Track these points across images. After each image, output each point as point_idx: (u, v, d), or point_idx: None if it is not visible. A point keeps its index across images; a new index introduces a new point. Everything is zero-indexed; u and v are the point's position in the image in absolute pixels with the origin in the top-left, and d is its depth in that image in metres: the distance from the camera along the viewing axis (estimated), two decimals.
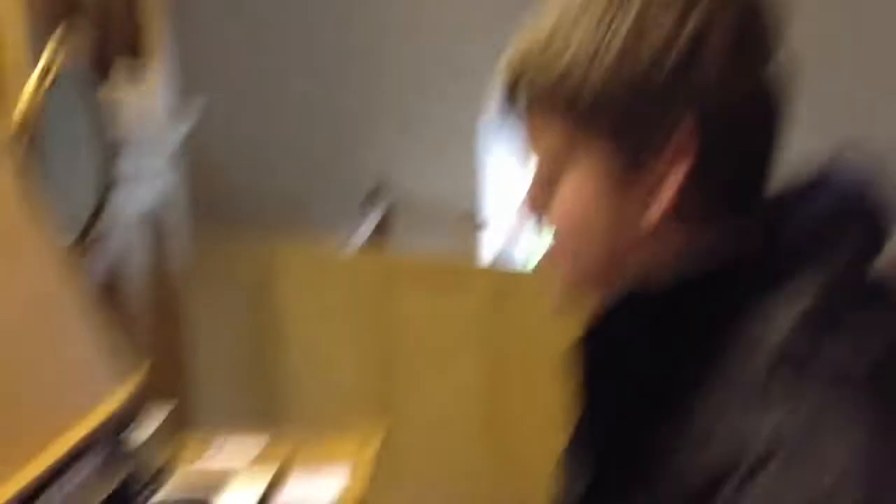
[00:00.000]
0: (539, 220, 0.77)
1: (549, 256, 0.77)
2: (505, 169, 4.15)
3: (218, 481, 1.27)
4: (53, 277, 1.17)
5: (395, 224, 3.87)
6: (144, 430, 1.22)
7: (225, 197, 3.71)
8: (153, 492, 1.25)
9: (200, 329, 2.24)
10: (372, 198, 3.93)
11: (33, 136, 1.38)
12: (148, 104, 1.99)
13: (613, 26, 0.69)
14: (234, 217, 3.38)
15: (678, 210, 0.70)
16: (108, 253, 1.71)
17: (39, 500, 0.98)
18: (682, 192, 0.69)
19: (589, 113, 0.70)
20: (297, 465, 1.48)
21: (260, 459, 1.33)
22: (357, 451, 1.60)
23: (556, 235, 0.76)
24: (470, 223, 3.78)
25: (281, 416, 2.73)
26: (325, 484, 1.43)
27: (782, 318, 0.66)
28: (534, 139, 0.75)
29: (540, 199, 0.76)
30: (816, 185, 0.73)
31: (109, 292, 1.63)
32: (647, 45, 0.68)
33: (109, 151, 1.59)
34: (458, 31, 3.56)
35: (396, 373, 2.79)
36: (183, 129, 2.23)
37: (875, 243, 0.70)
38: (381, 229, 3.89)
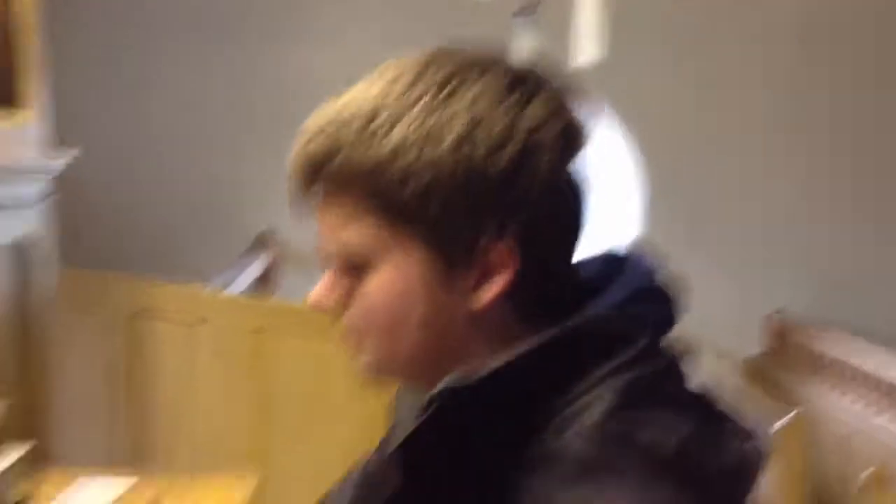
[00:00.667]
0: (334, 313, 0.70)
1: (348, 342, 0.70)
2: None
3: None
4: None
5: (279, 273, 3.81)
6: (3, 464, 1.14)
7: (97, 241, 3.59)
8: None
9: (65, 364, 2.12)
10: (255, 247, 3.85)
11: None
12: (22, 138, 1.92)
13: (448, 111, 0.63)
14: (105, 264, 3.26)
15: (489, 315, 0.66)
16: None
17: None
18: (495, 301, 0.65)
19: (408, 208, 0.64)
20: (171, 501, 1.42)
21: (124, 500, 1.26)
22: (226, 497, 1.54)
23: (353, 327, 0.69)
24: None
25: (148, 458, 2.59)
26: None
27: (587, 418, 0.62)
28: (334, 227, 0.67)
29: (337, 293, 0.69)
30: (612, 277, 0.70)
31: None
32: (485, 135, 0.63)
33: None
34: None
35: (270, 422, 2.71)
36: (56, 165, 2.16)
37: (668, 321, 0.69)
38: (265, 279, 3.80)
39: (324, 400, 2.69)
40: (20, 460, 1.17)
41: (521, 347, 0.64)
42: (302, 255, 3.66)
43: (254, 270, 3.60)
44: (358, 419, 2.65)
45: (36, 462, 1.24)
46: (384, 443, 0.88)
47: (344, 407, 2.68)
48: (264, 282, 3.75)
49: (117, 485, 1.33)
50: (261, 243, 3.82)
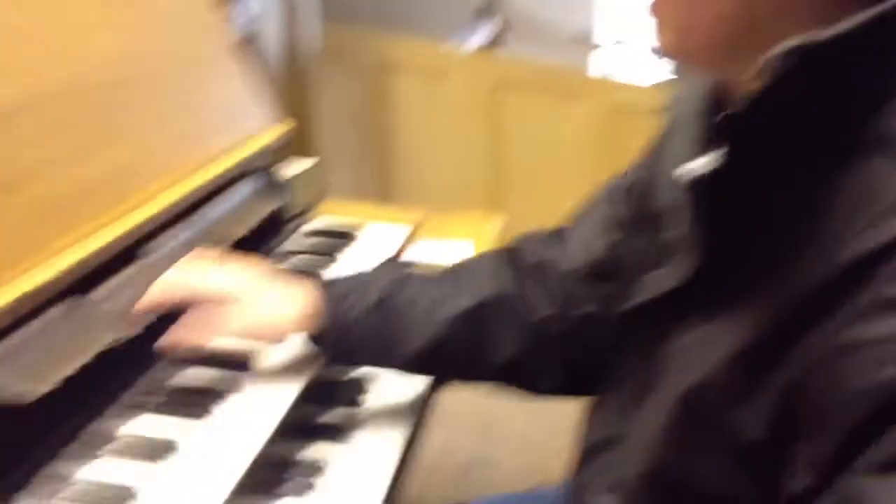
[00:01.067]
0: None
1: (653, 16, 0.68)
2: None
3: (360, 223, 1.33)
4: (206, 16, 1.20)
5: (505, 41, 3.79)
6: (294, 170, 1.27)
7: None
8: (305, 220, 1.32)
9: (321, 106, 2.28)
10: (483, 12, 3.84)
11: None
12: None
13: None
14: (356, 12, 3.36)
15: None
16: (244, 13, 1.73)
17: (202, 209, 1.06)
18: None
19: None
20: (422, 232, 1.55)
21: (392, 220, 1.38)
22: (478, 230, 1.64)
23: None
24: (582, 43, 3.67)
25: (382, 201, 2.81)
26: (452, 249, 1.49)
27: None
28: None
29: None
30: None
31: (241, 51, 1.65)
32: None
33: None
34: None
35: (507, 174, 2.81)
36: None
37: None
38: (493, 44, 3.82)
39: (557, 156, 2.74)
40: (306, 171, 1.29)
41: (869, 12, 0.60)
42: (526, 21, 3.60)
43: (483, 34, 3.61)
44: (588, 176, 2.69)
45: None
46: (655, 157, 0.88)
47: (576, 163, 2.73)
48: (492, 45, 3.77)
49: (383, 210, 1.44)
50: (488, 9, 3.80)
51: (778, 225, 0.67)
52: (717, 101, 0.75)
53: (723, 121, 0.65)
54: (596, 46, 3.77)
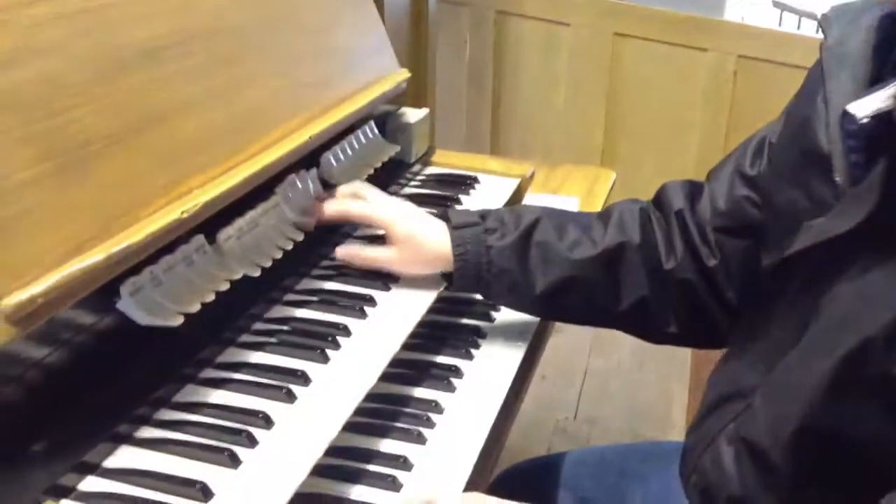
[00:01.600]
0: None
1: None
2: None
3: (475, 172, 1.33)
4: None
5: None
6: (413, 116, 1.28)
7: None
8: (424, 167, 1.34)
9: (440, 52, 2.27)
10: None
11: None
12: None
13: None
14: None
15: None
16: None
17: (333, 149, 1.08)
18: None
19: None
20: (532, 185, 1.55)
21: (503, 171, 1.38)
22: (589, 184, 1.63)
23: None
24: None
25: (504, 150, 2.80)
26: (562, 203, 1.48)
27: None
28: None
29: None
30: None
31: None
32: None
33: None
34: None
35: (623, 125, 2.75)
36: None
37: None
38: None
39: (679, 108, 2.66)
40: (424, 119, 1.30)
41: None
42: None
43: None
44: (709, 131, 2.61)
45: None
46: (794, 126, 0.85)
47: (697, 117, 2.64)
48: None
49: (494, 162, 1.44)
50: None
51: None
52: (888, 35, 0.73)
53: None
54: None
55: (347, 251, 1.01)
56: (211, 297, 0.82)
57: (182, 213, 0.79)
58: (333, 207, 1.02)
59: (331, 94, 1.09)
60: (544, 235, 0.98)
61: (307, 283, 1.00)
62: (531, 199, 1.42)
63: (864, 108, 0.72)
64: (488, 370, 0.98)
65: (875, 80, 0.74)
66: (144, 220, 0.76)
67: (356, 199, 1.03)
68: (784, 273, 0.81)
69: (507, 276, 0.97)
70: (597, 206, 1.54)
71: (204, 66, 0.92)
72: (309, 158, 1.05)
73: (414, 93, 2.03)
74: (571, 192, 1.58)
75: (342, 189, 1.05)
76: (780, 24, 3.90)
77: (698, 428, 0.89)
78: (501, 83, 2.80)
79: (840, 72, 0.78)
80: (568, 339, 2.35)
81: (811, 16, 3.54)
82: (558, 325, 1.18)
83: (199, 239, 0.85)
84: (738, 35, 2.51)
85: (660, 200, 1.02)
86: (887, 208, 0.68)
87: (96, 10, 0.82)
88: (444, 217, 1.01)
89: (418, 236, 0.98)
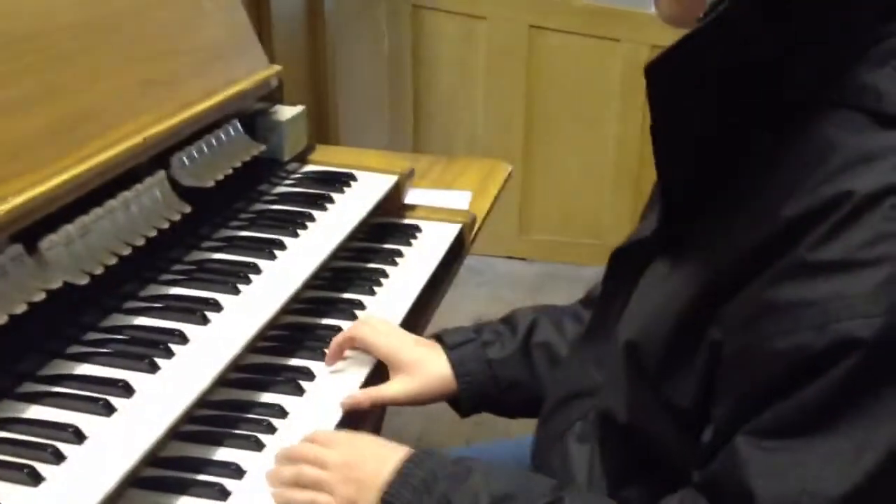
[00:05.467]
0: None
1: None
2: None
3: (354, 169, 1.31)
4: None
5: None
6: (286, 114, 1.26)
7: None
8: (299, 166, 1.31)
9: (353, 50, 2.24)
10: None
11: None
12: None
13: None
14: None
15: None
16: None
17: (187, 148, 1.06)
18: None
19: None
20: (426, 180, 1.53)
21: (391, 167, 1.35)
22: (484, 178, 1.62)
23: None
24: None
25: (424, 147, 2.78)
26: (451, 198, 1.47)
27: None
28: None
29: None
30: None
31: None
32: None
33: None
34: None
35: (542, 117, 2.75)
36: None
37: None
38: None
39: (594, 99, 2.66)
40: (299, 116, 1.28)
41: None
42: None
43: None
44: (628, 118, 2.61)
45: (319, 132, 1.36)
46: None
47: (612, 108, 2.65)
48: None
49: (384, 157, 1.43)
50: None
51: (737, 178, 0.65)
52: None
53: (646, 69, 0.63)
54: None
55: (354, 398, 0.91)
56: (22, 308, 0.79)
57: None
58: (343, 335, 0.96)
59: (181, 93, 1.06)
60: (544, 336, 0.96)
61: (152, 290, 0.98)
62: (418, 194, 1.40)
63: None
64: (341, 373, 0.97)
65: None
66: None
67: (365, 327, 0.97)
68: (610, 268, 0.83)
69: (517, 389, 0.94)
70: (488, 200, 1.54)
71: (30, 69, 0.89)
72: (161, 161, 1.03)
73: (312, 88, 2.01)
74: (465, 186, 1.57)
75: (355, 326, 0.99)
76: None
77: (545, 425, 0.89)
78: (420, 77, 2.78)
79: None
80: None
81: None
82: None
83: (17, 248, 0.82)
84: (651, 24, 2.51)
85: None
86: (676, 218, 0.71)
87: None
88: (437, 339, 0.97)
89: (422, 364, 0.94)
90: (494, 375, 0.94)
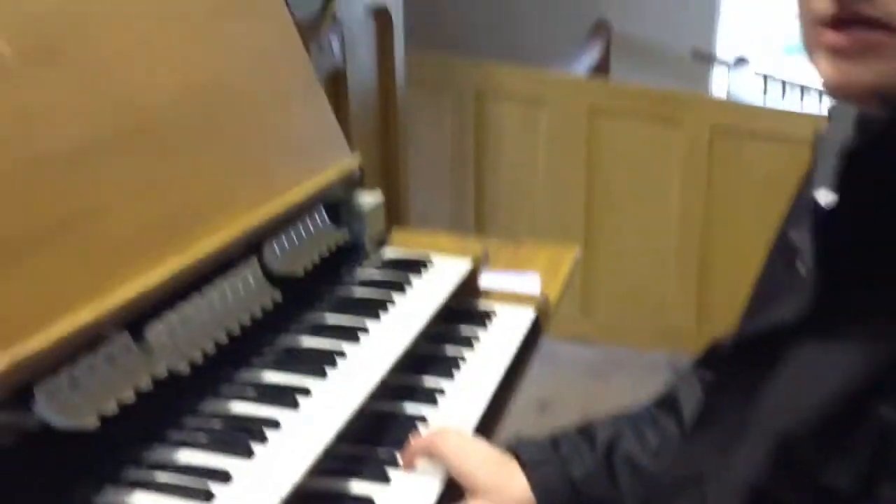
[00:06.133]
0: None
1: (855, 44, 0.62)
2: (742, 3, 3.84)
3: (430, 254, 1.34)
4: (291, 47, 1.24)
5: (613, 63, 3.75)
6: (367, 201, 1.30)
7: (441, 20, 3.74)
8: (378, 250, 1.34)
9: (417, 138, 2.31)
10: (591, 35, 3.81)
11: None
12: None
13: None
14: (446, 40, 3.40)
15: None
16: (336, 41, 1.78)
17: (276, 237, 1.09)
18: None
19: None
20: (496, 263, 1.55)
21: (463, 251, 1.38)
22: (553, 261, 1.63)
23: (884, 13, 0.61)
24: (702, 60, 3.58)
25: (488, 229, 2.81)
26: (523, 281, 1.48)
27: None
28: None
29: None
30: None
31: (334, 80, 1.70)
32: None
33: None
34: None
35: (603, 200, 2.77)
36: None
37: None
38: (599, 68, 3.79)
39: (654, 181, 2.68)
40: (379, 203, 1.31)
41: None
42: (634, 44, 3.54)
43: (589, 57, 3.59)
44: (690, 201, 2.62)
45: (392, 217, 1.39)
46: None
47: (674, 189, 2.66)
48: (598, 69, 3.74)
49: (456, 241, 1.45)
50: (597, 31, 3.76)
51: None
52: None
53: (843, 157, 0.64)
54: (715, 63, 3.67)
55: None
56: (130, 396, 0.82)
57: (97, 314, 0.79)
58: (421, 443, 0.96)
59: (273, 184, 1.11)
60: (627, 449, 0.93)
61: (245, 376, 1.00)
62: (491, 277, 1.42)
63: (819, 204, 0.73)
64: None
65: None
66: (60, 322, 0.77)
67: (441, 443, 0.95)
68: (737, 358, 0.80)
69: None
70: (560, 283, 1.55)
71: (138, 163, 0.94)
72: (254, 249, 1.06)
73: (384, 173, 2.07)
74: (534, 268, 1.59)
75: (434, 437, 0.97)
76: (764, 93, 3.96)
77: None
78: (483, 161, 2.84)
79: (822, 163, 0.78)
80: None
81: (791, 83, 3.58)
82: None
83: (124, 336, 0.85)
84: (710, 107, 2.55)
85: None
86: (829, 301, 0.68)
87: (25, 107, 0.84)
88: (511, 451, 0.95)
89: (501, 490, 0.92)
90: (577, 493, 0.92)
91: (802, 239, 0.77)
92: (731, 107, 2.67)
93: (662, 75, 3.37)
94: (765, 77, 3.92)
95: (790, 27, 4.49)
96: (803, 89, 3.75)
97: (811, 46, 0.67)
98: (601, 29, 3.75)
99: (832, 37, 0.63)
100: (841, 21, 0.62)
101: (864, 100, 0.65)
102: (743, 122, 2.52)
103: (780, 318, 0.73)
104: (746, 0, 3.90)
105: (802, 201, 0.82)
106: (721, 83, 3.73)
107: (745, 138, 2.48)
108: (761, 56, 4.13)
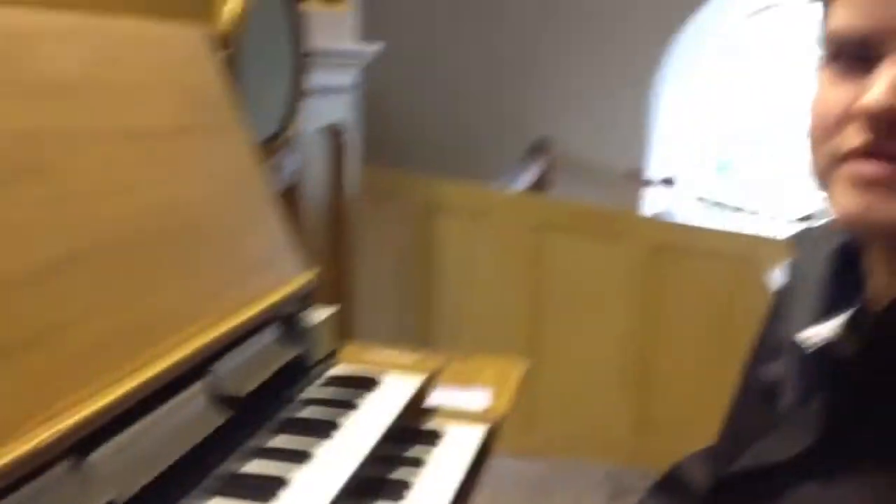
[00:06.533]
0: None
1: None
2: (674, 123, 4.03)
3: (379, 372, 1.33)
4: (248, 167, 1.26)
5: (554, 179, 3.88)
6: (317, 317, 1.30)
7: (393, 137, 3.84)
8: (327, 367, 1.33)
9: (364, 250, 2.33)
10: (533, 152, 3.94)
11: (236, 42, 1.47)
12: (338, 22, 2.07)
13: None
14: (398, 156, 3.49)
15: None
16: (292, 159, 1.81)
17: (226, 357, 1.08)
18: None
19: None
20: (444, 378, 1.55)
21: (412, 367, 1.39)
22: (500, 376, 1.64)
23: None
24: (634, 180, 3.73)
25: (433, 339, 2.82)
26: (471, 397, 1.48)
27: None
28: None
29: None
30: None
31: (289, 197, 1.72)
32: None
33: (301, 63, 1.67)
34: None
35: (545, 314, 2.81)
36: (369, 52, 2.31)
37: None
38: (541, 184, 3.91)
39: (597, 296, 2.73)
40: (329, 318, 1.32)
41: None
42: (575, 161, 3.68)
43: (531, 174, 3.70)
44: (630, 316, 2.68)
45: (340, 330, 1.39)
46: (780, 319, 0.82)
47: (617, 304, 2.71)
48: (540, 185, 3.85)
49: (404, 355, 1.46)
50: (538, 149, 3.90)
51: None
52: (845, 264, 0.74)
53: (859, 315, 0.65)
54: (647, 183, 3.82)
55: None
56: None
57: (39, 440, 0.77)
58: None
59: (225, 305, 1.11)
60: None
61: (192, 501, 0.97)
62: (440, 393, 1.41)
63: (813, 337, 0.72)
64: None
65: (830, 309, 0.74)
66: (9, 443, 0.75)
67: None
68: (724, 497, 0.79)
69: None
70: (508, 398, 1.55)
71: (93, 282, 0.93)
72: (203, 369, 1.05)
73: (336, 289, 2.07)
74: (484, 383, 1.59)
75: None
76: (700, 210, 4.12)
77: None
78: (428, 274, 2.87)
79: (795, 300, 0.79)
80: None
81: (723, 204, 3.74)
82: None
83: (65, 464, 0.83)
84: (647, 225, 2.64)
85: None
86: (825, 442, 0.68)
87: None
88: None
89: None
90: None
91: (782, 376, 0.76)
92: (668, 226, 2.78)
93: (602, 192, 3.49)
94: (699, 197, 4.09)
95: (722, 146, 4.72)
96: (736, 209, 3.93)
97: (828, 179, 0.66)
98: (543, 146, 3.88)
99: (865, 167, 0.62)
100: (871, 154, 0.62)
101: (884, 234, 0.64)
102: (679, 241, 2.62)
103: (773, 456, 0.72)
104: (680, 120, 4.10)
105: (772, 339, 0.81)
106: (659, 201, 3.88)
107: (682, 256, 2.58)
108: (695, 174, 4.32)
